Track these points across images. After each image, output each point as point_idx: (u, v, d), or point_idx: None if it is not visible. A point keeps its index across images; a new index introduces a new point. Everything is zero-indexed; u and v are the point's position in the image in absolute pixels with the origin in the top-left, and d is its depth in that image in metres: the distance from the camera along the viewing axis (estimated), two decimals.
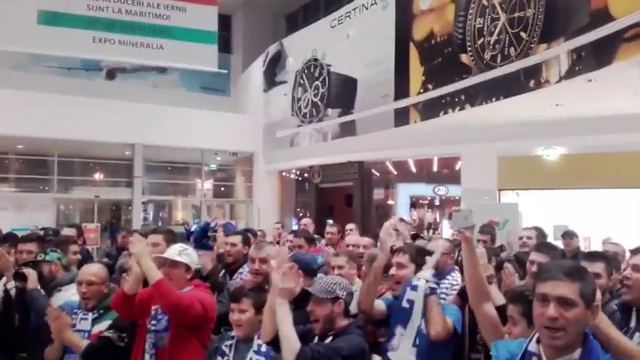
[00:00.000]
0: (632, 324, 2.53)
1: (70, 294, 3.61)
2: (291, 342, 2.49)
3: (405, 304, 3.07)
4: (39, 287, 3.63)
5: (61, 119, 11.16)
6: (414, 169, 12.08)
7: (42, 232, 5.52)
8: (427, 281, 3.03)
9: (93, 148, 12.75)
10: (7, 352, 3.67)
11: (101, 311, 3.35)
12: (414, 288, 3.05)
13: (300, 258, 3.48)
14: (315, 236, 6.36)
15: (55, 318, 3.16)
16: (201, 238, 6.37)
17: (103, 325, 3.29)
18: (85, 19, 7.75)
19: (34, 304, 3.57)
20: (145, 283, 3.12)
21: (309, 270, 3.28)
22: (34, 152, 12.72)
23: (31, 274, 3.63)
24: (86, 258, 5.51)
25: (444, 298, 3.35)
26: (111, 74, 13.69)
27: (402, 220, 6.13)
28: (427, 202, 14.42)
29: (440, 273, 3.67)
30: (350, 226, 6.63)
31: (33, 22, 7.75)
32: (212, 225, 6.54)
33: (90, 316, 3.33)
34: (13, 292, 3.78)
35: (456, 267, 4.07)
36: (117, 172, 13.63)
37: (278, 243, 6.59)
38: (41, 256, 3.73)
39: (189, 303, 2.97)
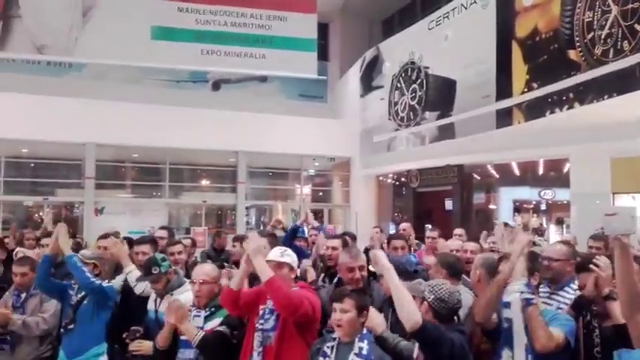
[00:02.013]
0: None
1: (182, 297, 3.73)
2: (412, 308, 2.58)
3: (504, 323, 2.89)
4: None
5: (171, 129, 11.92)
6: (517, 171, 11.59)
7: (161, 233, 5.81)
8: (521, 292, 2.79)
9: (200, 156, 13.50)
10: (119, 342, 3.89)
11: (212, 309, 3.53)
12: (507, 305, 2.84)
13: (394, 260, 3.51)
14: (416, 241, 6.29)
15: (177, 309, 3.39)
16: (291, 240, 6.34)
17: (214, 323, 3.47)
18: (194, 32, 8.20)
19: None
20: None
21: (404, 272, 3.27)
22: (148, 160, 13.64)
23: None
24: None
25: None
26: (216, 85, 14.40)
27: (506, 225, 5.89)
28: (532, 206, 13.78)
29: (557, 282, 3.42)
30: (458, 231, 6.51)
31: (147, 37, 8.33)
32: (301, 227, 6.52)
33: (202, 313, 3.53)
34: (136, 286, 4.08)
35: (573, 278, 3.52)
36: (222, 179, 14.34)
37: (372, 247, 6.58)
38: (155, 270, 3.81)
39: (300, 300, 3.05)
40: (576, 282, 3.33)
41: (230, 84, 14.45)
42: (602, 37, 6.80)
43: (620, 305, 2.35)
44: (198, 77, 14.02)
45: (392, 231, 12.65)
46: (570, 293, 3.34)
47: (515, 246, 2.97)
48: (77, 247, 5.52)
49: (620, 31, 6.53)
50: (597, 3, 6.89)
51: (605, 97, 6.73)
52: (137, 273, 4.12)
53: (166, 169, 13.29)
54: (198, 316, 3.52)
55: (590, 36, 7.01)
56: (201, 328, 3.44)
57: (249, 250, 3.22)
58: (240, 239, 5.71)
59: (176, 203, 13.96)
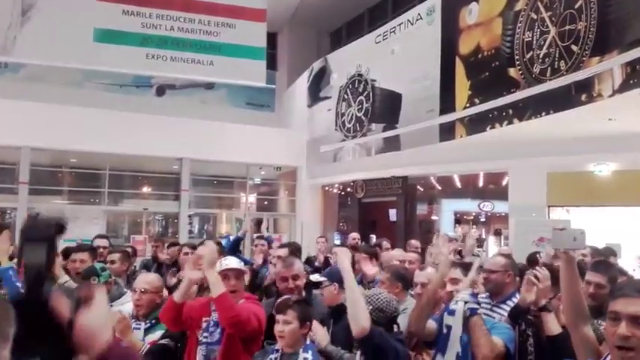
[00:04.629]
0: None
1: (122, 309, 3.59)
2: (364, 314, 2.57)
3: (443, 330, 2.92)
4: None
5: (112, 134, 11.54)
6: (459, 184, 11.92)
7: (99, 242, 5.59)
8: (466, 302, 2.82)
9: (142, 162, 13.13)
10: None
11: (153, 321, 3.41)
12: (452, 312, 2.87)
13: (331, 272, 3.56)
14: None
15: (120, 320, 3.25)
16: (235, 250, 6.27)
17: (155, 336, 3.35)
18: (139, 36, 8.01)
19: None
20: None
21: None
22: (87, 166, 13.14)
23: None
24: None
25: None
26: (161, 91, 14.10)
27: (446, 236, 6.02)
28: (472, 218, 14.18)
29: (497, 295, 3.43)
30: (414, 242, 6.65)
31: (89, 39, 8.06)
32: (243, 237, 6.45)
33: (142, 325, 3.40)
34: None
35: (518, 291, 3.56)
36: (165, 186, 13.98)
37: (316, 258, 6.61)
38: (94, 280, 3.63)
39: (247, 317, 3.00)
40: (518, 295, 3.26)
41: (175, 90, 14.19)
42: (541, 56, 7.09)
43: (565, 315, 2.41)
44: (142, 82, 13.68)
45: (337, 241, 12.73)
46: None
47: (440, 257, 3.04)
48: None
49: (557, 51, 6.83)
50: (536, 24, 7.20)
51: (543, 113, 7.00)
52: (72, 284, 3.94)
53: (106, 175, 12.85)
54: (138, 328, 3.38)
55: (529, 55, 7.30)
56: (141, 340, 3.31)
57: (205, 260, 3.10)
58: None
59: (115, 211, 13.52)
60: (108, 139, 11.52)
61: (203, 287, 3.63)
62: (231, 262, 3.29)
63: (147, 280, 3.51)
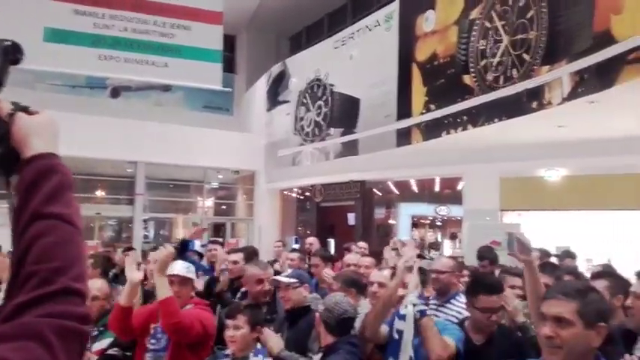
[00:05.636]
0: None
1: None
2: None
3: (395, 335, 2.93)
4: None
5: (64, 136, 11.02)
6: (415, 189, 12.08)
7: None
8: (414, 305, 2.83)
9: (95, 165, 12.77)
10: None
11: (101, 328, 3.32)
12: (402, 317, 2.88)
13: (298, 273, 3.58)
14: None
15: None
16: (182, 254, 6.13)
17: (102, 344, 3.26)
18: (92, 36, 7.76)
19: None
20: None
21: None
22: None
23: None
24: None
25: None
26: (115, 92, 13.77)
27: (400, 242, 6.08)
28: (429, 222, 14.40)
29: (443, 295, 3.57)
30: (361, 244, 6.65)
31: (39, 39, 7.77)
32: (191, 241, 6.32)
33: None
34: None
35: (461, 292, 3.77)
36: (119, 190, 13.64)
37: (275, 261, 6.56)
38: None
39: (190, 323, 2.95)
40: (462, 295, 3.47)
41: (130, 91, 13.88)
42: (494, 64, 7.26)
43: (531, 314, 2.53)
44: (96, 83, 13.32)
45: (295, 245, 12.69)
46: (456, 305, 3.48)
47: (399, 261, 3.06)
48: None
49: (510, 60, 7.01)
50: (490, 32, 7.37)
51: (496, 120, 7.16)
52: None
53: None
54: None
55: (483, 63, 7.47)
56: (89, 349, 3.20)
57: (157, 263, 3.05)
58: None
59: None
60: (59, 142, 11.14)
61: None
62: (176, 267, 3.23)
63: (95, 286, 3.41)
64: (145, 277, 4.81)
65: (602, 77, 5.69)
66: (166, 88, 13.83)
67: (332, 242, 9.29)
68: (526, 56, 6.74)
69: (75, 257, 0.89)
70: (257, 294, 3.51)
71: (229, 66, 14.97)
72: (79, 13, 7.99)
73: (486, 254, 5.44)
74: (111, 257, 6.88)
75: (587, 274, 3.84)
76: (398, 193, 12.69)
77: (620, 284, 2.87)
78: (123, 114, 12.42)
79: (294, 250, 6.75)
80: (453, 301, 3.54)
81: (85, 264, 0.93)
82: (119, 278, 5.21)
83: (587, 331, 1.67)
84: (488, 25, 7.40)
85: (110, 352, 3.20)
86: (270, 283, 3.61)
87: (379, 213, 13.20)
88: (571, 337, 1.65)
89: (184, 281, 3.18)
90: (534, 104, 6.59)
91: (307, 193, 13.94)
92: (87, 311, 0.88)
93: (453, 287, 3.62)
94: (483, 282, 2.97)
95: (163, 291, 2.95)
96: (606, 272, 3.14)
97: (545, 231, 8.22)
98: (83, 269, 0.90)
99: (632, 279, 3.39)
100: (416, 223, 14.27)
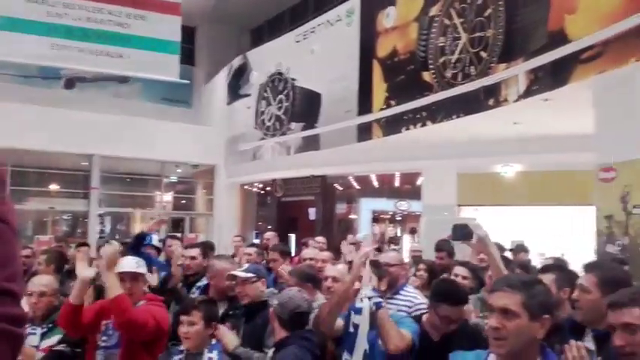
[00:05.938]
0: (590, 346, 2.56)
1: None
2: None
3: (350, 328, 2.93)
4: None
5: (16, 128, 10.80)
6: (376, 184, 12.17)
7: None
8: (370, 298, 2.84)
9: (48, 159, 12.38)
10: None
11: (50, 325, 3.22)
12: (359, 311, 2.87)
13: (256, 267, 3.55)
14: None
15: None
16: (137, 248, 5.97)
17: (52, 340, 3.17)
18: (44, 25, 7.52)
19: None
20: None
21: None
22: None
23: None
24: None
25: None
26: (70, 83, 13.35)
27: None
28: (389, 216, 14.55)
29: (392, 287, 3.57)
30: (319, 239, 6.65)
31: None
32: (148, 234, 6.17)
33: (38, 330, 3.20)
34: None
35: (409, 284, 3.93)
36: (73, 184, 13.26)
37: (234, 256, 6.48)
38: None
39: (143, 320, 2.89)
40: (409, 286, 3.78)
41: (86, 82, 13.48)
42: (453, 61, 7.36)
43: None
44: (50, 73, 12.88)
45: (255, 240, 12.61)
46: (405, 296, 3.61)
47: (355, 257, 3.08)
48: None
49: (468, 57, 7.11)
50: (449, 30, 7.46)
51: (454, 117, 7.26)
52: None
53: (8, 172, 12.00)
54: (34, 333, 3.17)
55: (442, 60, 7.56)
56: (37, 347, 3.10)
57: (105, 259, 2.97)
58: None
59: (19, 209, 12.66)
60: (11, 134, 10.76)
61: None
62: (126, 264, 3.16)
63: (42, 282, 3.30)
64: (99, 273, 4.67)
65: (556, 76, 5.84)
66: (124, 80, 13.50)
67: (293, 237, 9.28)
68: (484, 54, 6.84)
69: (7, 256, 0.85)
70: (225, 288, 3.48)
71: (189, 58, 14.73)
72: (31, 1, 7.72)
73: (444, 247, 5.52)
74: (64, 253, 6.67)
75: None
76: (359, 188, 12.76)
77: (567, 277, 2.92)
78: (77, 105, 12.06)
79: (251, 244, 6.69)
80: (401, 292, 3.63)
81: (19, 263, 0.89)
82: (72, 274, 5.05)
83: (532, 322, 1.70)
84: (447, 22, 7.49)
85: (58, 348, 3.11)
86: (227, 277, 3.56)
87: (340, 208, 13.26)
88: (516, 329, 1.69)
89: (135, 277, 3.11)
90: (491, 101, 6.71)
91: (268, 188, 13.87)
92: (20, 312, 0.83)
93: (401, 279, 3.72)
94: (449, 292, 2.89)
95: (113, 289, 2.89)
96: (555, 265, 3.21)
97: (500, 226, 8.39)
98: (16, 269, 0.86)
99: (581, 272, 3.47)
100: (376, 218, 14.39)
